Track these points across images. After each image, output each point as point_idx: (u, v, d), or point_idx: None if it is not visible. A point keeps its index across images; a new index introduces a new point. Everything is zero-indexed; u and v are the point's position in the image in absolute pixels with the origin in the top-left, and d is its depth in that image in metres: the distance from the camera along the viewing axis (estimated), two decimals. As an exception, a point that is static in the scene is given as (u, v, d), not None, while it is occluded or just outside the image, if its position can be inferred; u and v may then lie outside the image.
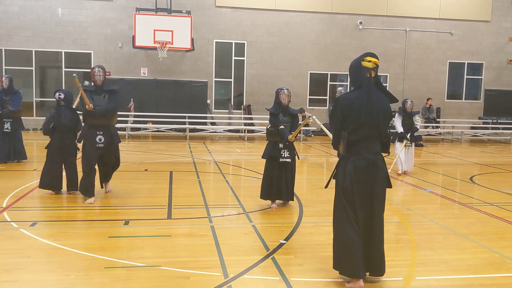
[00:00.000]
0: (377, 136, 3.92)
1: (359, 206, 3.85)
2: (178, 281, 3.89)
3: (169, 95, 17.83)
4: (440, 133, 19.08)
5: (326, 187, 4.38)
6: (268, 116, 6.54)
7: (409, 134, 9.49)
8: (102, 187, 7.10)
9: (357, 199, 3.84)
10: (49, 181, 6.88)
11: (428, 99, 18.10)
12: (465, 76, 20.52)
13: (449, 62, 20.28)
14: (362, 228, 3.87)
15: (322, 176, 9.92)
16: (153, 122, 17.18)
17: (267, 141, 6.56)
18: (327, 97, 19.67)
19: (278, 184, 6.39)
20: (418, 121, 9.74)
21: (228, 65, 18.76)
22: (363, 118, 3.82)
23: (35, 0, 17.26)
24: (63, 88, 17.63)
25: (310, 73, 19.31)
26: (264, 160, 6.49)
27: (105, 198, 6.88)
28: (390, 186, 4.05)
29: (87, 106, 6.23)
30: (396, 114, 9.71)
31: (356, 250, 3.81)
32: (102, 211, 6.30)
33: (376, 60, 3.92)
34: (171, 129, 17.30)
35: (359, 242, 3.82)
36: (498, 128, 19.09)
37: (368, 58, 3.91)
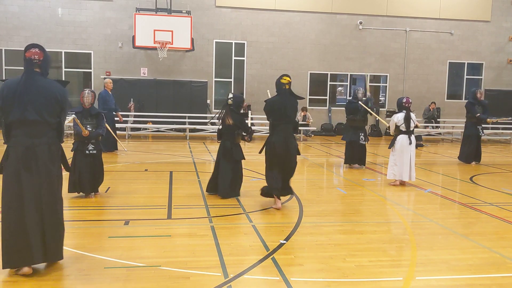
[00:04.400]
0: (290, 122, 6.37)
1: (280, 165, 6.31)
2: (178, 281, 3.89)
3: (169, 95, 17.82)
4: (440, 133, 19.08)
5: (260, 152, 6.55)
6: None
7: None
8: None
9: (277, 161, 6.30)
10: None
11: (432, 103, 18.04)
12: (465, 76, 20.52)
13: (449, 62, 20.28)
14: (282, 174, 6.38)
15: (322, 176, 9.92)
16: (153, 122, 17.18)
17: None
18: (327, 97, 19.67)
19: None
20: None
21: (228, 65, 18.76)
22: (282, 112, 6.32)
23: (35, 0, 17.27)
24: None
25: (310, 73, 19.31)
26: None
27: (105, 198, 6.88)
28: (299, 153, 6.56)
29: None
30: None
31: (277, 179, 6.35)
32: (102, 211, 6.30)
33: (289, 79, 6.49)
34: (171, 129, 17.30)
35: (278, 175, 6.33)
36: (498, 128, 19.09)
37: (284, 78, 6.47)
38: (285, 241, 4.97)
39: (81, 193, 6.79)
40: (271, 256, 4.51)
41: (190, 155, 12.11)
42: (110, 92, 11.89)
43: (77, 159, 6.68)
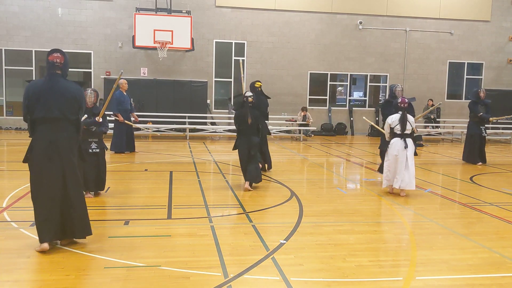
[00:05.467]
0: (263, 115, 8.62)
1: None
2: (178, 281, 3.89)
3: (169, 95, 17.81)
4: (440, 133, 19.08)
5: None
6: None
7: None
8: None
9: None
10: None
11: (429, 100, 18.08)
12: (465, 76, 20.52)
13: (449, 62, 20.28)
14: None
15: (322, 176, 9.92)
16: (153, 122, 17.17)
17: None
18: (327, 97, 19.67)
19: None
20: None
21: (228, 65, 18.76)
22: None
23: (35, 0, 17.27)
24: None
25: (310, 73, 19.30)
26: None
27: (105, 198, 6.88)
28: (270, 133, 8.50)
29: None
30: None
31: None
32: (102, 211, 6.30)
33: (260, 83, 9.14)
34: (171, 129, 17.29)
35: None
36: (498, 128, 19.09)
37: (257, 83, 9.09)
38: (285, 241, 4.97)
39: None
40: (271, 256, 4.51)
41: (190, 155, 12.12)
42: (125, 93, 11.94)
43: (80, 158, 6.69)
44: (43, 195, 4.45)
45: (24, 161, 4.53)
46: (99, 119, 6.62)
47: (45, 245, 4.39)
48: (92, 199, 6.70)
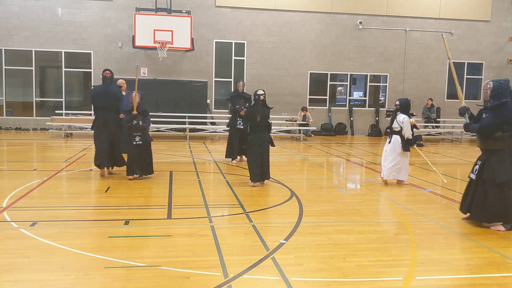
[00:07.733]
0: (264, 124, 8.04)
1: (258, 153, 8.01)
2: (178, 281, 3.89)
3: (169, 95, 17.78)
4: (440, 133, 19.07)
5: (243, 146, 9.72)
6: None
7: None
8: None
9: (255, 150, 8.05)
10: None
11: (428, 99, 18.09)
12: (465, 76, 20.51)
13: (449, 62, 20.26)
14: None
15: (322, 176, 9.92)
16: (153, 122, 17.13)
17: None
18: (327, 97, 19.67)
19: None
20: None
21: (228, 65, 18.76)
22: (256, 117, 8.00)
23: (35, 0, 17.27)
24: (63, 88, 17.68)
25: (310, 72, 19.30)
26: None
27: (105, 198, 6.89)
28: (273, 145, 8.20)
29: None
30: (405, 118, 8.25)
31: (257, 165, 8.07)
32: (102, 211, 6.30)
33: (263, 92, 8.13)
34: (171, 129, 17.29)
35: (258, 162, 8.00)
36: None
37: (259, 91, 8.13)
38: (285, 241, 4.97)
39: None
40: (271, 256, 4.51)
41: (190, 155, 12.12)
42: (124, 93, 11.90)
43: (129, 149, 8.28)
44: (99, 145, 8.34)
45: (91, 129, 8.51)
46: (134, 112, 8.18)
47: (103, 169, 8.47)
48: (92, 200, 6.72)
